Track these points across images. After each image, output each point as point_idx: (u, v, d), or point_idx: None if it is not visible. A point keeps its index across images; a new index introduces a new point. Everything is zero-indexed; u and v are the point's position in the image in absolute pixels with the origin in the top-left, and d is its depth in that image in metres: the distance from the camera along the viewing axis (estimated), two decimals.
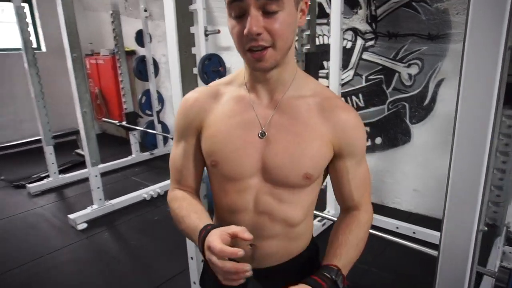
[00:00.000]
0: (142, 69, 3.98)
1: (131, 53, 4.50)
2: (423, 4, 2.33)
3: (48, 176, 3.43)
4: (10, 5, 3.01)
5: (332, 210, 2.60)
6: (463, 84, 0.72)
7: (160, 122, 4.19)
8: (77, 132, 3.55)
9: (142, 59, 3.96)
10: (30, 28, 3.10)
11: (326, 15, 2.77)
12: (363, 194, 0.87)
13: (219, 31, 3.02)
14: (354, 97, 2.86)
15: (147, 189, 3.22)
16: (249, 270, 0.65)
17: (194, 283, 1.62)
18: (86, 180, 3.00)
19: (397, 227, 2.43)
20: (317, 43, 2.88)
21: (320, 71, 2.53)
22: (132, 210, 2.96)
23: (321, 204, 2.53)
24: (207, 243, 0.69)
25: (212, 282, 0.80)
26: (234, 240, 0.69)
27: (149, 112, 4.12)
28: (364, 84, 2.80)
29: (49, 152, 3.32)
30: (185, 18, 1.44)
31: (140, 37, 3.87)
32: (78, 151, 4.08)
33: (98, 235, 2.60)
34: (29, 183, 3.37)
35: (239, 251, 0.64)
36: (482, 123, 0.71)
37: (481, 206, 0.78)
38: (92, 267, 2.22)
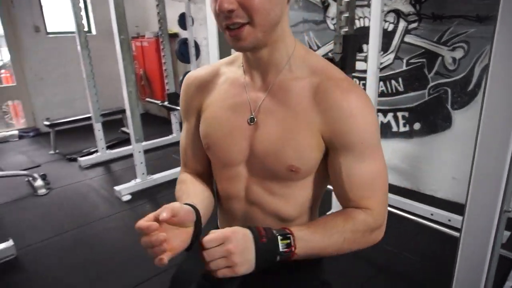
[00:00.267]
0: (184, 51, 4.10)
1: (174, 35, 4.63)
2: None
3: (96, 151, 3.70)
4: None
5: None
6: (491, 68, 0.73)
7: None
8: (123, 111, 3.78)
9: (184, 42, 4.08)
10: (83, 13, 3.29)
11: None
12: (365, 195, 0.71)
13: None
14: (393, 81, 2.80)
15: None
16: (154, 226, 0.60)
17: None
18: (130, 156, 3.19)
19: (431, 214, 2.39)
20: (358, 25, 2.83)
21: (359, 54, 2.50)
22: (172, 185, 3.08)
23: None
24: None
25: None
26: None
27: None
28: (404, 68, 2.72)
29: (98, 129, 3.57)
30: None
31: (182, 20, 3.97)
32: (124, 129, 4.33)
33: (140, 206, 2.80)
34: (80, 156, 3.66)
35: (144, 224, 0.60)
36: (509, 105, 0.72)
37: (505, 187, 0.78)
38: (134, 235, 2.39)
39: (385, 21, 2.66)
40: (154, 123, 5.13)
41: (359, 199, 0.71)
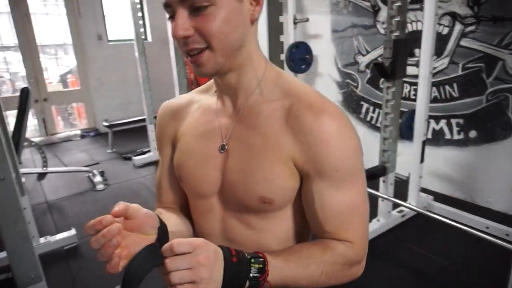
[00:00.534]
0: None
1: None
2: None
3: (149, 151, 3.91)
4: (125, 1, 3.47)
5: (413, 201, 2.52)
6: None
7: None
8: None
9: None
10: (141, 21, 3.53)
11: (420, 0, 2.63)
12: (342, 227, 0.65)
13: (307, 19, 3.08)
14: (447, 87, 2.68)
15: None
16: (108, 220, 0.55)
17: None
18: None
19: (487, 227, 2.25)
20: (410, 29, 2.76)
21: (410, 58, 2.43)
22: None
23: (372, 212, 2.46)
24: None
25: None
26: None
27: None
28: (460, 73, 2.60)
29: (151, 130, 3.76)
30: (274, 7, 1.55)
31: None
32: None
33: None
34: (135, 156, 3.89)
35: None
36: None
37: None
38: None
39: (439, 24, 2.56)
40: None
41: (335, 231, 0.65)
